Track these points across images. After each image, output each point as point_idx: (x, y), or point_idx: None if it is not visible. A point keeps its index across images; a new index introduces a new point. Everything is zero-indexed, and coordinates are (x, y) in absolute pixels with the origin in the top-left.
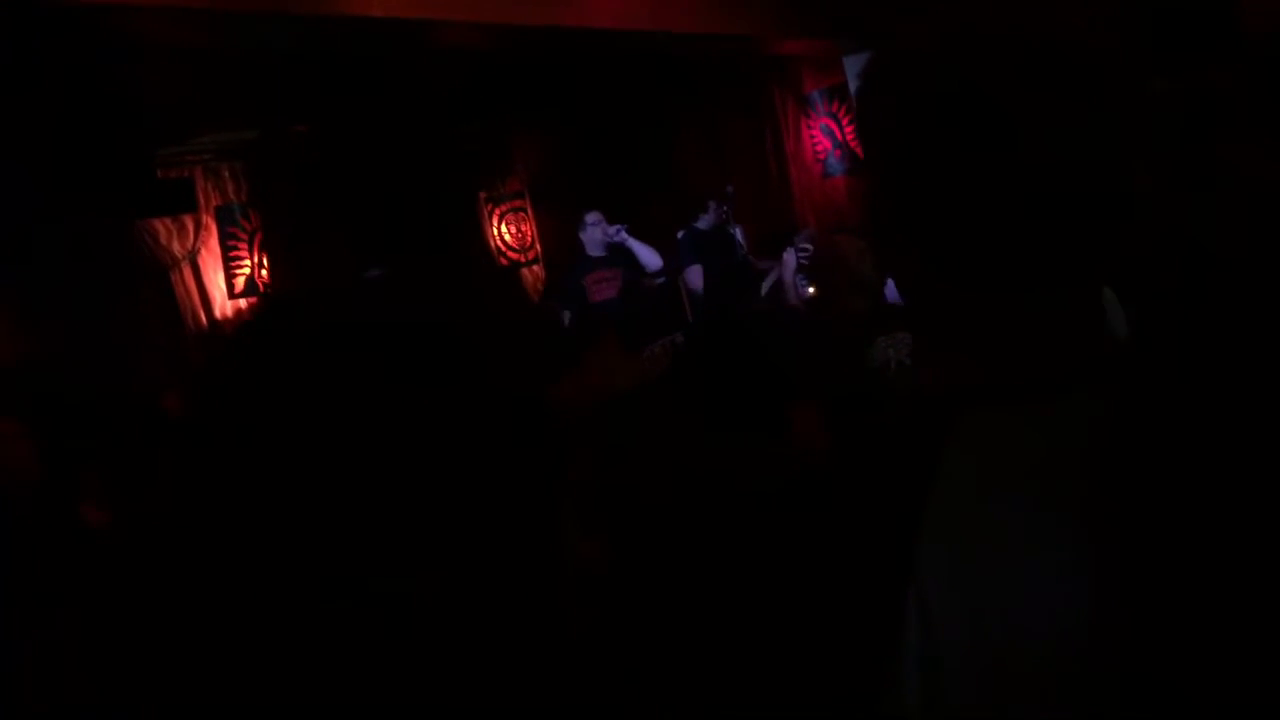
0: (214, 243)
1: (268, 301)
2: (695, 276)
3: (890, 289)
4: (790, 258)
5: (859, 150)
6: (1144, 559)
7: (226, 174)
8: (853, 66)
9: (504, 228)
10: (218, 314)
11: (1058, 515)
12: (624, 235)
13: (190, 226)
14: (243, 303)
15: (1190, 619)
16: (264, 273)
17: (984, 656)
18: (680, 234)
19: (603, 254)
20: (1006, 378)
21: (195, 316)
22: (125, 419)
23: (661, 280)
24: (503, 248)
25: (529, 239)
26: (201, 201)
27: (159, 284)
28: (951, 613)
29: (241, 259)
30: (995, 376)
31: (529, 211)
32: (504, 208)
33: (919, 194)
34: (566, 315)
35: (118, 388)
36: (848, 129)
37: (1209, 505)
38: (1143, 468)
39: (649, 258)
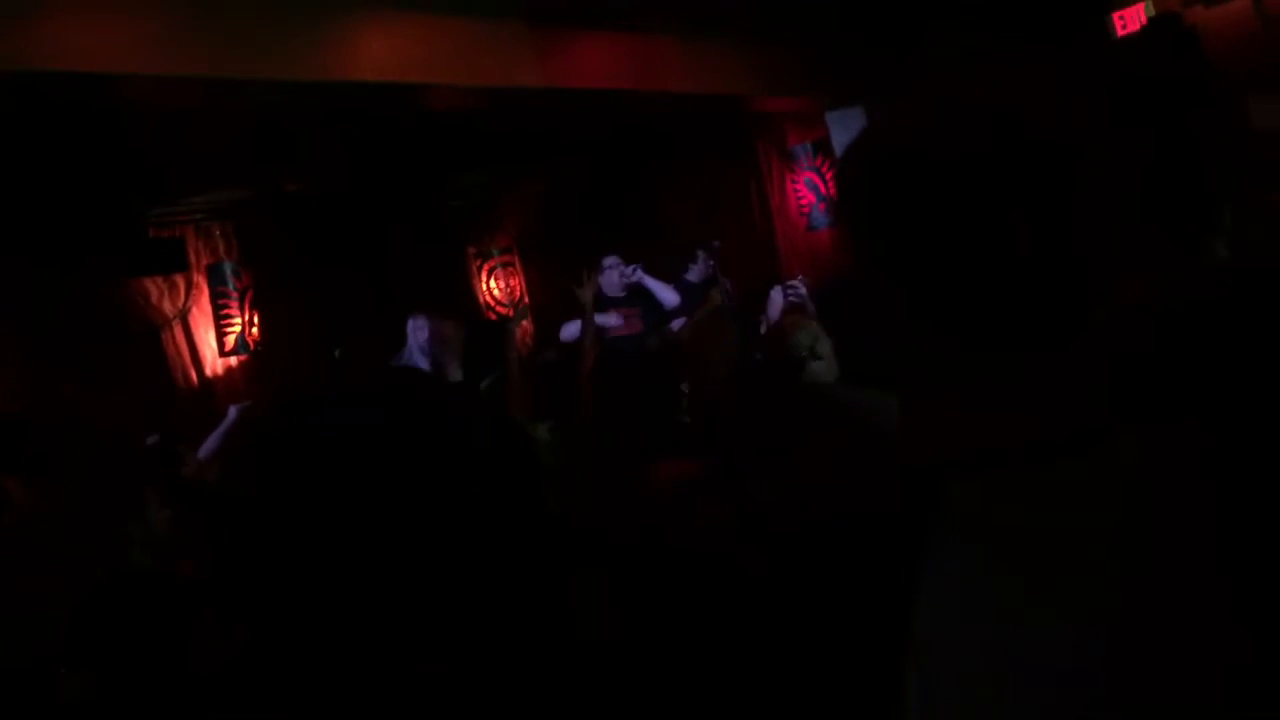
0: (205, 301)
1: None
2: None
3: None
4: (778, 295)
5: None
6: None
7: (218, 233)
8: (835, 121)
9: (493, 282)
10: (208, 372)
11: (1058, 586)
12: (641, 275)
13: (181, 285)
14: (233, 360)
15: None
16: (254, 330)
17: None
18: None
19: (620, 295)
20: (996, 443)
21: (185, 375)
22: (120, 475)
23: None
24: (491, 302)
25: (518, 293)
26: (193, 260)
27: (150, 343)
28: (948, 680)
29: (232, 317)
30: (984, 441)
31: (517, 265)
32: (493, 263)
33: (907, 253)
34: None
35: (110, 445)
36: (831, 182)
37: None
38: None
39: (667, 295)
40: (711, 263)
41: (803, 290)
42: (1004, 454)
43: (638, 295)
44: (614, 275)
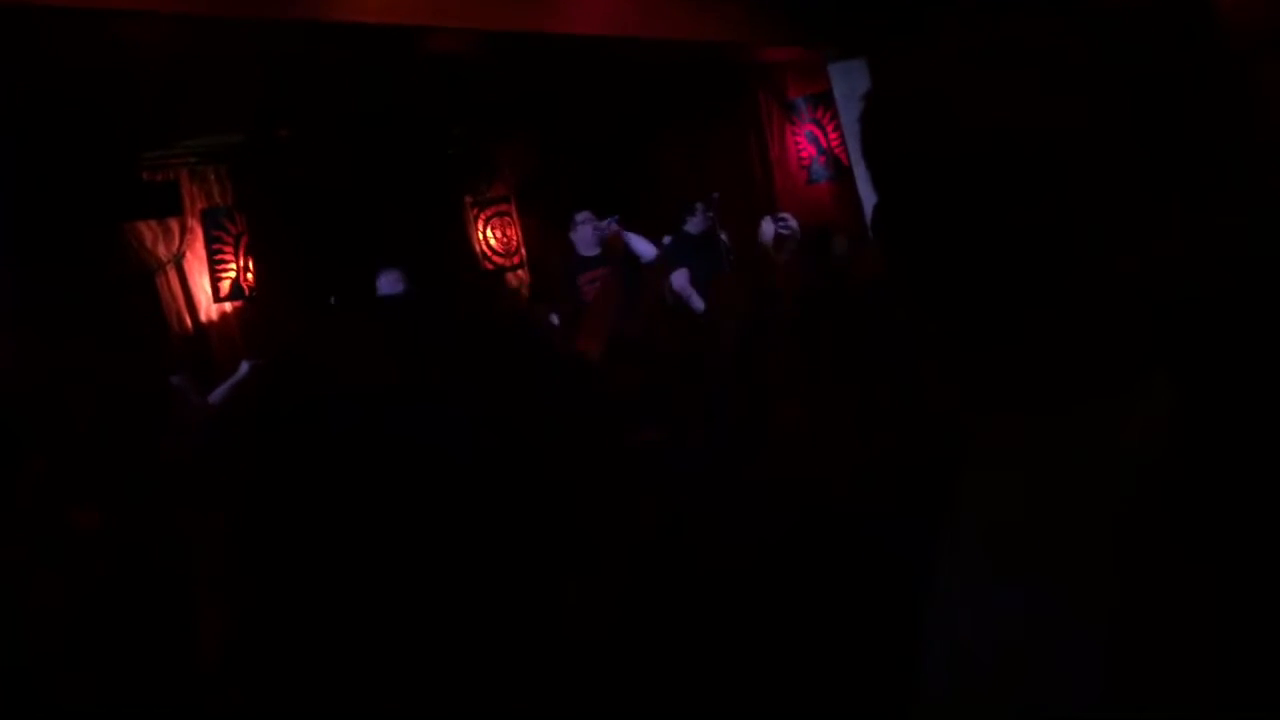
0: (199, 246)
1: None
2: (681, 279)
3: None
4: (769, 225)
5: (843, 157)
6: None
7: (212, 177)
8: (837, 73)
9: (489, 232)
10: (203, 317)
11: (1071, 527)
12: (616, 227)
13: (175, 230)
14: (228, 306)
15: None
16: (249, 276)
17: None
18: (667, 239)
19: (595, 253)
20: (1019, 390)
21: (180, 320)
22: (118, 422)
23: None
24: (488, 252)
25: (514, 243)
26: (187, 205)
27: (144, 288)
28: (967, 620)
29: (227, 262)
30: (1008, 389)
31: (514, 216)
32: (489, 212)
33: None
34: (555, 318)
35: (106, 393)
36: (832, 135)
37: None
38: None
39: (644, 248)
40: (710, 214)
41: (793, 223)
42: (1028, 396)
43: (613, 255)
44: (587, 231)
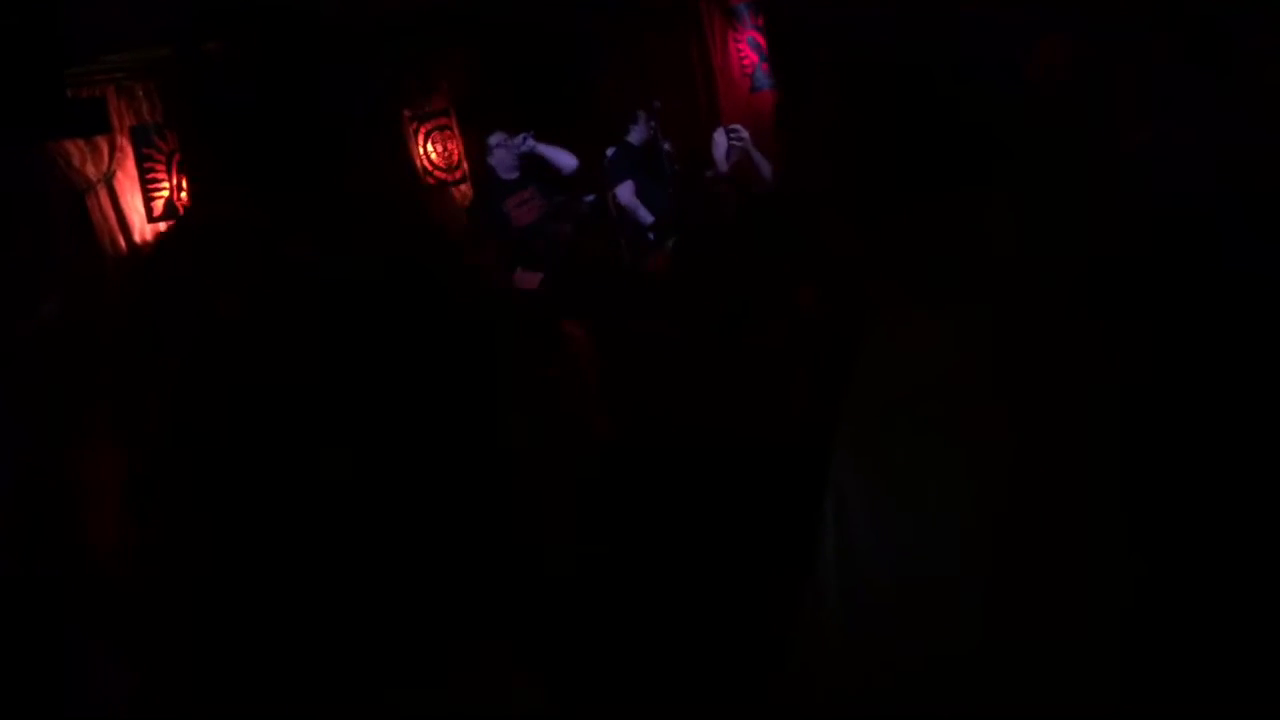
0: (130, 165)
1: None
2: (627, 192)
3: None
4: (721, 138)
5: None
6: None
7: (141, 94)
8: None
9: (430, 146)
10: (137, 238)
11: (964, 417)
12: (531, 142)
13: (105, 148)
14: (162, 226)
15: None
16: (183, 195)
17: (892, 552)
18: (610, 151)
19: (515, 175)
20: (913, 286)
21: (114, 241)
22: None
23: (590, 198)
24: (429, 167)
25: (456, 157)
26: (115, 122)
27: (73, 208)
28: (865, 514)
29: (160, 181)
30: (902, 285)
31: (455, 130)
32: (429, 126)
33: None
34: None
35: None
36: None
37: None
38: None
39: (563, 159)
40: (653, 123)
41: (745, 134)
42: (917, 295)
43: (531, 173)
44: (503, 154)
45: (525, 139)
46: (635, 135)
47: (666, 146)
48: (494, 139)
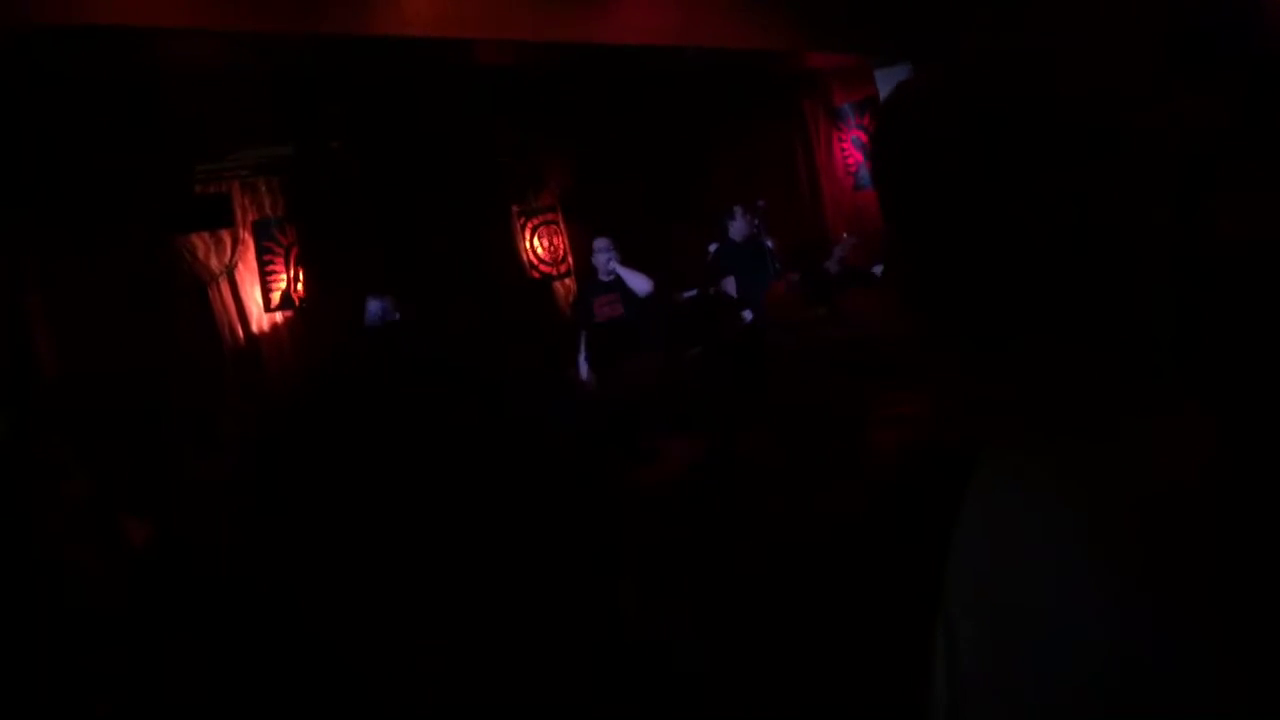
0: (250, 257)
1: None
2: (730, 287)
3: None
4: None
5: None
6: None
7: (263, 189)
8: (884, 79)
9: (536, 241)
10: (254, 328)
11: (1088, 552)
12: (614, 265)
13: (228, 241)
14: (279, 316)
15: None
16: (299, 286)
17: (1006, 684)
18: (712, 246)
19: (609, 279)
20: (1029, 421)
21: (233, 330)
22: (168, 433)
23: (693, 293)
24: (535, 260)
25: (561, 252)
26: (238, 216)
27: (197, 299)
28: (977, 641)
29: (277, 273)
30: (1018, 420)
31: (561, 224)
32: (536, 221)
33: (933, 240)
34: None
35: (159, 402)
36: None
37: None
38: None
39: (638, 283)
40: (756, 221)
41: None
42: (1033, 429)
43: (619, 282)
44: (602, 259)
45: (609, 259)
46: (735, 231)
47: (769, 243)
48: (598, 243)
